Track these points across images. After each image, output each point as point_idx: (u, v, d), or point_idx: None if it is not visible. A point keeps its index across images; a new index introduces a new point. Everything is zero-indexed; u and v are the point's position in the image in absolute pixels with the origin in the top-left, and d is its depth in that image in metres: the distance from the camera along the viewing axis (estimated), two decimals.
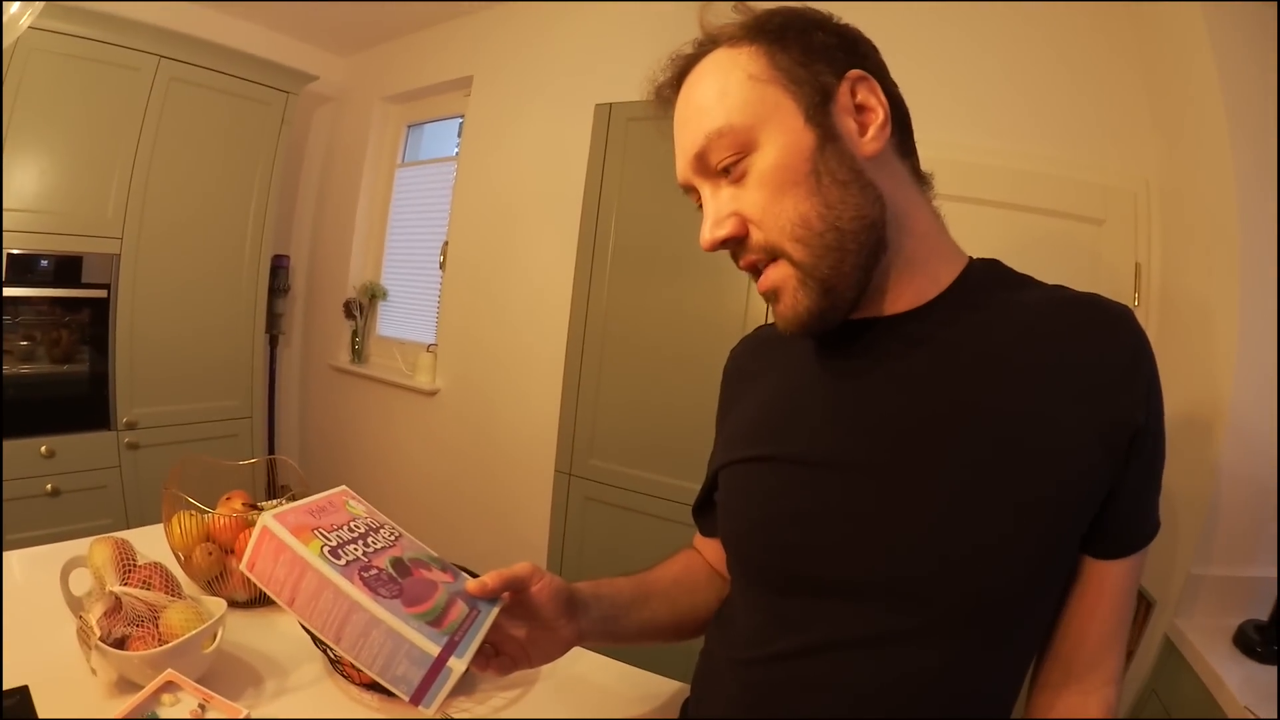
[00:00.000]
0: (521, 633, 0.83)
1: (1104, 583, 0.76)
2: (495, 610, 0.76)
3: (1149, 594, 1.66)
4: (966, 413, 0.71)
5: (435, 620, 0.69)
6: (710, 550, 1.06)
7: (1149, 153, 1.82)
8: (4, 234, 2.43)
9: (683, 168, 0.77)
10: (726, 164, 0.72)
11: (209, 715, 0.85)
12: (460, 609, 0.72)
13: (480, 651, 0.74)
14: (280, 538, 0.69)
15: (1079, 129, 1.89)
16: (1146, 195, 1.81)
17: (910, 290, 0.77)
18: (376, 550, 0.74)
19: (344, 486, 0.87)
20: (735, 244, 0.74)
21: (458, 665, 0.67)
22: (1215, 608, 1.54)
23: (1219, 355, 1.55)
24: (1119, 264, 1.84)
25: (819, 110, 0.71)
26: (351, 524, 0.77)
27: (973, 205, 1.88)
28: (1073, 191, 1.86)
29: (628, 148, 2.54)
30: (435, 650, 0.67)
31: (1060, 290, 0.77)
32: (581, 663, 1.26)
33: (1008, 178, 1.91)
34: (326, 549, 0.70)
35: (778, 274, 0.73)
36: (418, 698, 0.68)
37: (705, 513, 1.02)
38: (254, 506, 1.37)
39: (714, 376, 1.01)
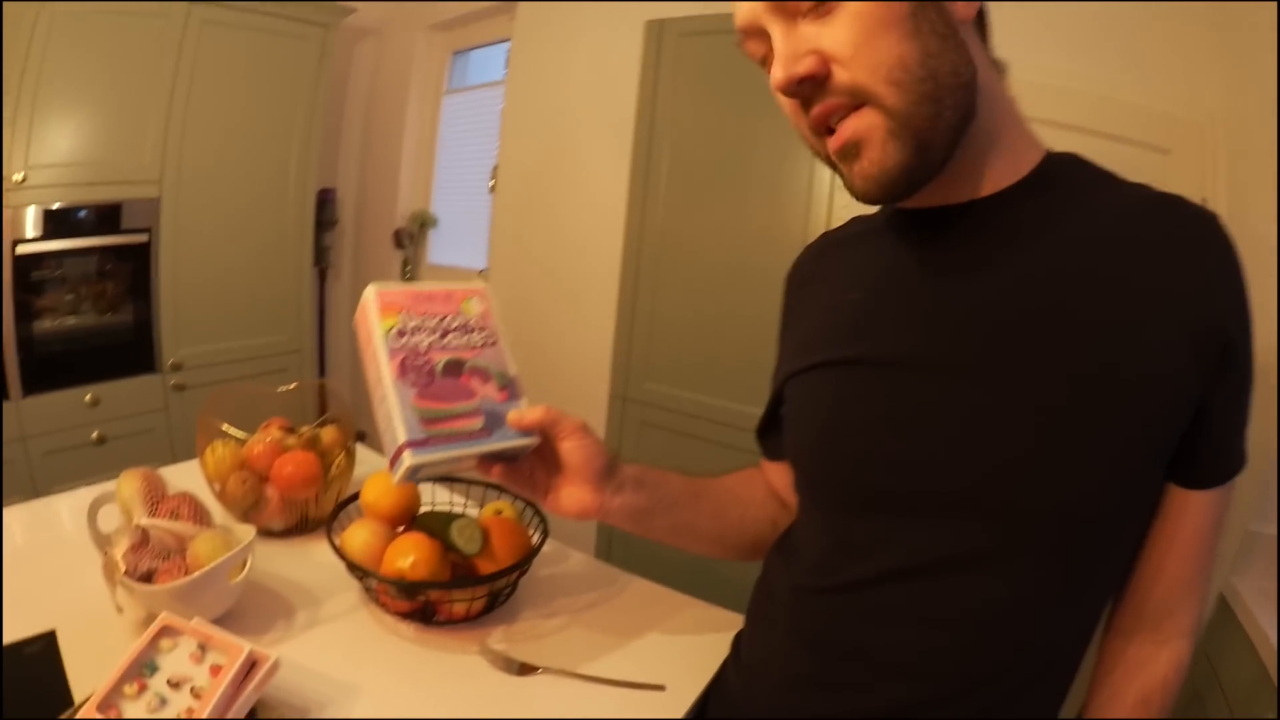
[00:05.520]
0: (544, 476, 0.86)
1: (1184, 515, 0.71)
2: (519, 443, 0.80)
3: None
4: (1057, 317, 0.65)
5: (431, 420, 0.76)
6: (776, 474, 1.00)
7: (1213, 84, 1.69)
8: (40, 190, 2.38)
9: (749, 6, 0.66)
10: None
11: (210, 657, 0.80)
12: (473, 424, 0.78)
13: (489, 459, 0.81)
14: (366, 307, 0.79)
15: (1146, 53, 1.77)
16: (1212, 128, 1.69)
17: (990, 173, 0.70)
18: (448, 347, 0.80)
19: (484, 285, 0.89)
20: (812, 87, 0.63)
21: (408, 458, 0.74)
22: (1272, 567, 1.46)
23: None
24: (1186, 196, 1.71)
25: None
26: (449, 318, 0.82)
27: (1038, 126, 1.74)
28: (1140, 118, 1.75)
29: (680, 63, 2.41)
30: (401, 439, 0.74)
31: (1143, 189, 0.70)
32: (629, 591, 1.20)
33: (1075, 100, 1.79)
34: (395, 330, 0.78)
35: (862, 123, 0.63)
36: (391, 467, 0.77)
37: (770, 433, 0.95)
38: (290, 431, 1.33)
39: (773, 296, 0.94)
